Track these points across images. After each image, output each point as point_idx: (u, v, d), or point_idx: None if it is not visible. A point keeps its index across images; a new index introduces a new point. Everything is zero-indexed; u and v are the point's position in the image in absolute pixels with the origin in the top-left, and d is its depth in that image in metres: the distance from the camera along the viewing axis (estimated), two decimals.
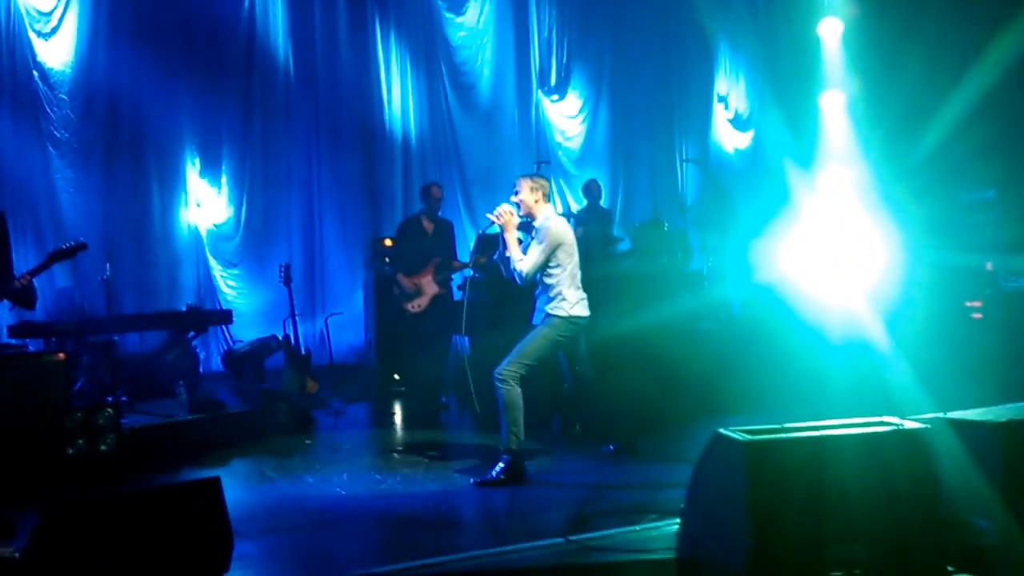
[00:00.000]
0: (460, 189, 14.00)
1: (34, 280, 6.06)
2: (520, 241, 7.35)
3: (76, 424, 7.36)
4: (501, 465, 7.04)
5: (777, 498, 4.51)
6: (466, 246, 12.98)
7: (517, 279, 7.24)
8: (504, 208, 7.30)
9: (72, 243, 5.96)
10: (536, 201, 7.34)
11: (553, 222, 7.34)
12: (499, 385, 7.09)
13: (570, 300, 7.23)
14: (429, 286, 10.16)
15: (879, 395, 7.70)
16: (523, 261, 7.17)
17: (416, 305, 10.12)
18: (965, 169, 10.83)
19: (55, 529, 4.39)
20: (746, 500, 4.50)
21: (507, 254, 7.30)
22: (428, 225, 10.40)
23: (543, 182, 7.53)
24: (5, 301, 5.65)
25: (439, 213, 10.54)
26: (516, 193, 7.36)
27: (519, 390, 7.09)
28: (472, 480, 7.12)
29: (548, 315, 7.22)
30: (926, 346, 8.38)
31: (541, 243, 7.18)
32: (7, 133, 10.39)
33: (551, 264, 7.21)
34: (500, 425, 7.17)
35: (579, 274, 7.38)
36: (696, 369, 9.34)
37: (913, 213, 9.98)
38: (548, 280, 7.24)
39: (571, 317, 7.22)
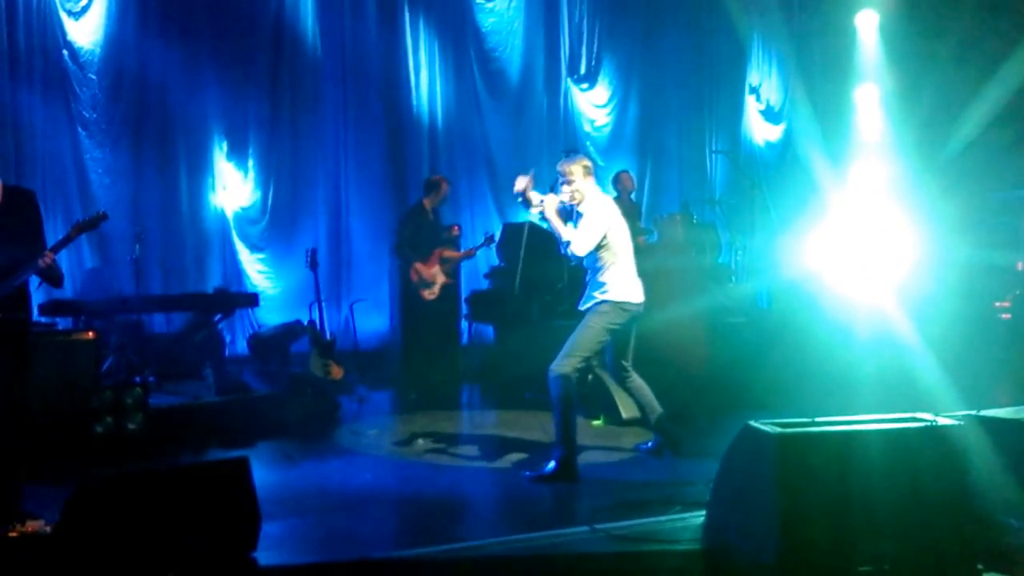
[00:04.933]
0: (487, 176, 14.00)
1: (62, 260, 6.05)
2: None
3: (104, 403, 7.41)
4: (553, 463, 6.78)
5: (807, 491, 4.50)
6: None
7: (571, 257, 6.94)
8: (522, 181, 6.95)
9: (94, 214, 5.97)
10: (587, 183, 7.02)
11: (604, 200, 7.09)
12: (554, 380, 6.81)
13: (621, 284, 6.93)
14: (439, 275, 10.52)
15: (908, 392, 7.63)
16: (575, 240, 6.84)
17: (432, 293, 10.45)
18: (995, 166, 10.74)
19: (87, 504, 4.43)
20: (775, 493, 4.49)
21: (555, 231, 6.97)
22: (431, 216, 10.68)
23: (588, 161, 7.18)
24: (34, 278, 5.67)
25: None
26: (567, 182, 6.97)
27: (574, 386, 6.84)
28: (526, 474, 6.93)
29: (598, 301, 6.93)
30: (954, 345, 8.31)
31: (593, 222, 6.88)
32: (37, 112, 10.45)
33: (600, 246, 6.90)
34: (554, 421, 6.92)
35: (632, 257, 7.10)
36: (723, 364, 9.30)
37: (944, 210, 9.90)
38: (598, 263, 6.94)
39: (622, 303, 6.91)
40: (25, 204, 5.61)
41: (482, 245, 11.35)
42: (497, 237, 12.31)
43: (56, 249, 5.57)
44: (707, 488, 5.29)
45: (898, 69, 12.28)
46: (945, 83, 11.27)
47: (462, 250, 11.47)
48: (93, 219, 5.92)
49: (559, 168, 7.09)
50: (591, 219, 6.90)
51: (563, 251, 6.99)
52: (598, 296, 6.95)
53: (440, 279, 10.51)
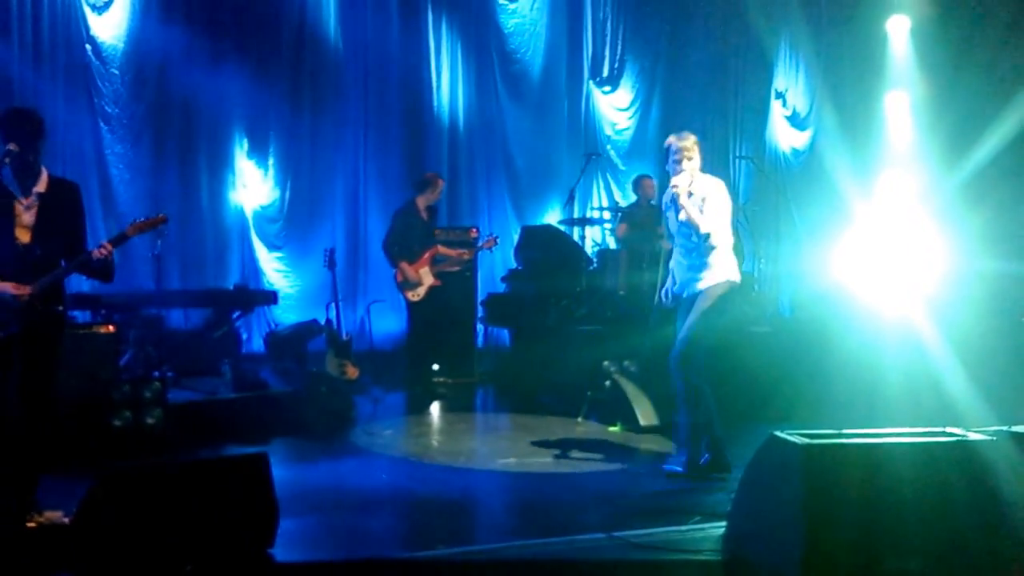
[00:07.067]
0: (507, 178, 13.95)
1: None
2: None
3: (123, 397, 7.39)
4: (707, 455, 6.64)
5: (833, 504, 4.41)
6: (509, 239, 12.96)
7: (705, 245, 6.66)
8: (682, 184, 6.72)
9: (155, 215, 5.91)
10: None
11: (717, 179, 6.88)
12: (679, 373, 6.65)
13: (733, 263, 6.78)
14: (427, 276, 10.40)
15: (935, 405, 7.55)
16: (712, 226, 6.62)
17: (416, 294, 10.35)
18: (1022, 178, 10.64)
19: (106, 496, 4.42)
20: (801, 504, 4.40)
21: (690, 221, 6.65)
22: (425, 214, 10.59)
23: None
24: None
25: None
26: (688, 159, 6.73)
27: (701, 376, 6.66)
28: (666, 467, 6.84)
29: (717, 282, 6.68)
30: (982, 358, 8.21)
31: (721, 202, 6.70)
32: (59, 106, 10.44)
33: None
34: (682, 412, 6.79)
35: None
36: (747, 374, 9.22)
37: (972, 221, 9.80)
38: (714, 243, 6.68)
39: (735, 283, 6.77)
40: (69, 197, 5.57)
41: (483, 246, 11.20)
42: (514, 241, 12.30)
43: (115, 244, 5.53)
44: (729, 498, 5.22)
45: (929, 76, 12.13)
46: (975, 91, 11.16)
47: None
48: (153, 220, 5.86)
49: (678, 145, 6.82)
50: (719, 199, 6.74)
51: (694, 240, 6.71)
52: (714, 277, 6.71)
53: (428, 280, 10.38)
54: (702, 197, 6.75)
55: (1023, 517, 4.56)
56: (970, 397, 7.47)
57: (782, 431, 4.74)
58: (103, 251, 5.42)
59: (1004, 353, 8.60)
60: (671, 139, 6.94)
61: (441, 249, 10.65)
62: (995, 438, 4.72)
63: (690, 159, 6.77)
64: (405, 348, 11.05)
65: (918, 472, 4.48)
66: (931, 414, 6.55)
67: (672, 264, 7.10)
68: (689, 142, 6.80)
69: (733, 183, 15.11)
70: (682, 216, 6.73)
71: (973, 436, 4.69)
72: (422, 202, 10.59)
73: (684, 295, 6.88)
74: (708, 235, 6.64)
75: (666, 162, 6.89)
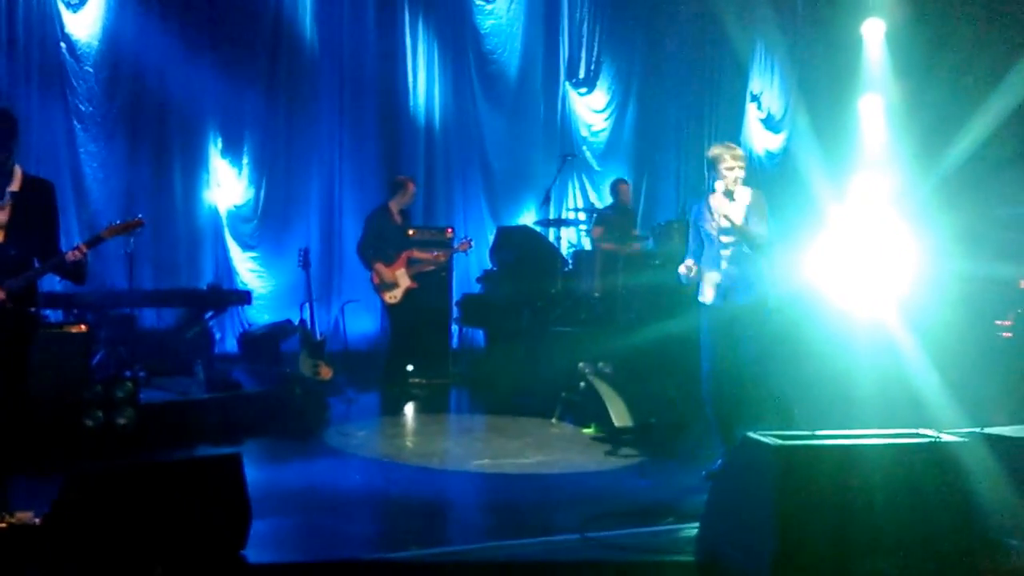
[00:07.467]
0: (482, 179, 13.95)
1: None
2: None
3: (95, 397, 7.34)
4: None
5: (806, 505, 4.42)
6: (485, 239, 12.96)
7: (762, 253, 6.64)
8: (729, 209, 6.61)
9: (132, 219, 5.87)
10: None
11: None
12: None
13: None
14: (403, 279, 10.42)
15: (908, 407, 7.58)
16: (767, 233, 6.60)
17: (393, 296, 10.36)
18: (996, 180, 10.67)
19: (77, 497, 4.38)
20: (774, 505, 4.42)
21: (750, 231, 6.57)
22: (398, 218, 10.61)
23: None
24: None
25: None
26: (741, 167, 6.65)
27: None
28: (703, 472, 6.74)
29: (765, 291, 6.69)
30: (954, 361, 8.25)
31: (764, 211, 6.64)
32: (34, 104, 10.39)
33: None
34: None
35: None
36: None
37: (945, 224, 9.83)
38: (761, 252, 6.65)
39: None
40: (43, 196, 5.50)
41: (457, 249, 11.17)
42: (491, 241, 12.28)
43: (90, 245, 5.49)
44: (703, 499, 5.23)
45: (902, 79, 12.17)
46: (949, 93, 11.21)
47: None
48: (129, 224, 5.83)
49: (737, 153, 6.75)
50: (763, 206, 6.69)
51: (749, 248, 6.63)
52: (759, 284, 6.68)
53: (404, 282, 10.40)
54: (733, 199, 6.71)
55: (995, 518, 4.60)
56: (943, 399, 7.50)
57: (757, 432, 4.76)
58: (77, 253, 5.37)
59: (976, 355, 8.64)
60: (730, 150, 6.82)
61: (415, 253, 10.63)
62: (967, 440, 4.76)
63: (743, 167, 6.71)
64: (385, 350, 11.03)
65: (891, 473, 4.51)
66: (904, 416, 6.58)
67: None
68: (741, 160, 6.73)
69: (707, 185, 15.12)
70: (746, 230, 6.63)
71: (946, 438, 4.72)
72: (394, 206, 10.61)
73: (739, 301, 6.70)
74: (769, 243, 6.66)
75: (714, 171, 6.75)
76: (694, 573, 4.93)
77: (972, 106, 10.69)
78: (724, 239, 6.67)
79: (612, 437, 8.17)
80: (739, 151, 6.76)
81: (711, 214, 6.71)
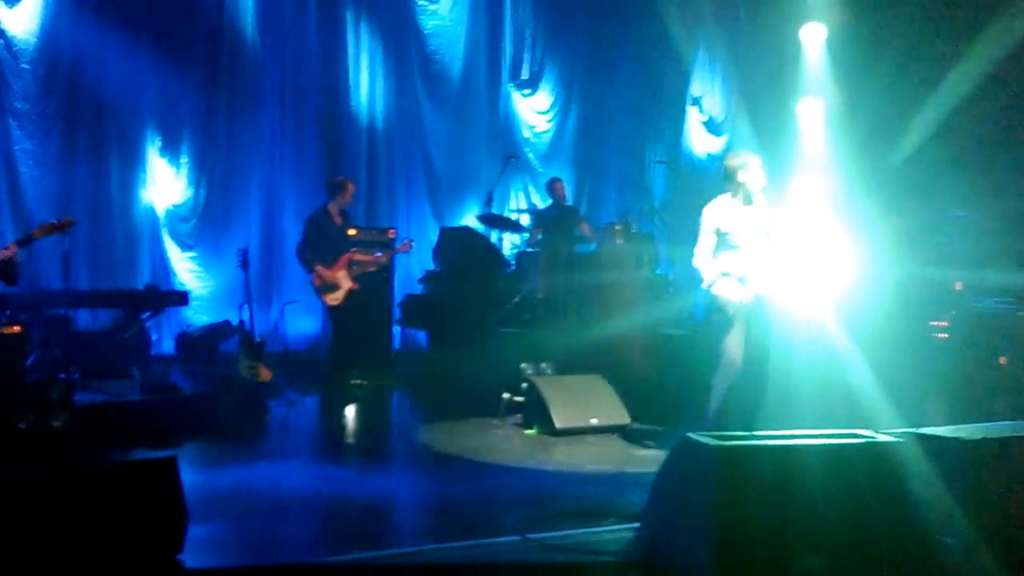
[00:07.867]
0: (426, 179, 13.90)
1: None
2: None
3: (28, 398, 7.22)
4: None
5: (744, 506, 4.43)
6: (428, 240, 12.93)
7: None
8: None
9: (64, 219, 5.78)
10: None
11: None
12: None
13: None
14: (344, 280, 10.37)
15: (846, 408, 7.66)
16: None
17: (334, 298, 10.31)
18: (935, 182, 10.82)
19: (7, 500, 4.29)
20: (712, 506, 4.42)
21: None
22: (338, 219, 10.57)
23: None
24: None
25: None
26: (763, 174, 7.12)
27: None
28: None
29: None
30: (890, 362, 8.34)
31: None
32: None
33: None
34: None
35: None
36: (660, 376, 9.28)
37: (883, 227, 9.95)
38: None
39: None
40: None
41: (398, 250, 11.14)
42: (433, 244, 12.25)
43: (20, 244, 5.38)
44: (643, 500, 5.23)
45: (842, 82, 12.31)
46: (886, 95, 11.35)
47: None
48: (61, 223, 5.75)
49: (760, 162, 7.15)
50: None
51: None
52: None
53: (346, 284, 10.35)
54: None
55: (930, 516, 4.65)
56: (879, 399, 7.59)
57: (696, 432, 4.77)
58: (7, 252, 5.28)
59: (912, 357, 8.76)
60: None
61: (356, 255, 10.56)
62: (903, 440, 4.80)
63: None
64: (327, 352, 10.94)
65: (828, 473, 4.53)
66: (841, 416, 6.65)
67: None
68: (761, 166, 7.15)
69: (649, 187, 15.25)
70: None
71: (882, 438, 4.76)
72: (334, 207, 10.56)
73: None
74: None
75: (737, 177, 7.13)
76: (635, 574, 4.93)
77: (911, 107, 10.84)
78: (756, 242, 7.13)
79: (554, 438, 8.19)
80: (760, 159, 7.15)
81: (740, 218, 7.12)
